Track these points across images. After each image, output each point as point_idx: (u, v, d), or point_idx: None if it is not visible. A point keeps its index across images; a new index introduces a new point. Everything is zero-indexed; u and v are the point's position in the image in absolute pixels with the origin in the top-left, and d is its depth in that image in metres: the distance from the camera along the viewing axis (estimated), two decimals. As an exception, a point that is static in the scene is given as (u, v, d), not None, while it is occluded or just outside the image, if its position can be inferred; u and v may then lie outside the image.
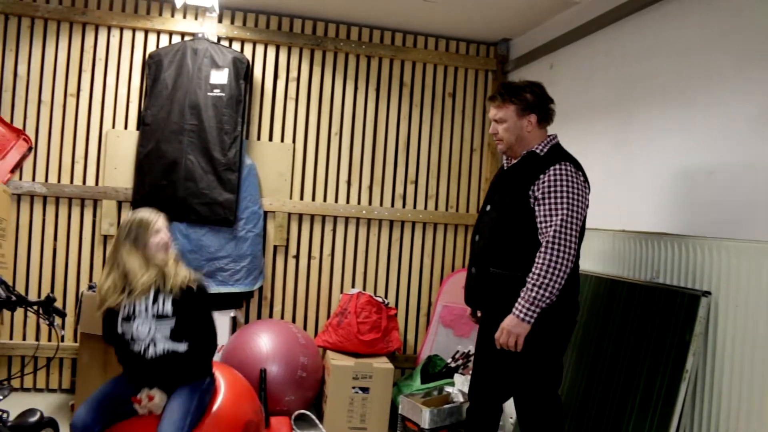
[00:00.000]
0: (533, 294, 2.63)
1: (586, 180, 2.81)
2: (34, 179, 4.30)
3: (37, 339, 4.25)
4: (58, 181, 4.33)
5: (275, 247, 4.62)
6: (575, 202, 2.70)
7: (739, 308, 2.58)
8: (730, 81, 2.81)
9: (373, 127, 4.81)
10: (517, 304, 2.67)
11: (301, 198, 4.67)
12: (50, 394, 4.30)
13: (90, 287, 4.00)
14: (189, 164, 4.28)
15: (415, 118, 4.88)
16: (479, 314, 3.14)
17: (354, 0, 4.29)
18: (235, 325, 4.45)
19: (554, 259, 2.63)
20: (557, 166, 2.74)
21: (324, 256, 4.73)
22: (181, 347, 2.80)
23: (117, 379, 2.88)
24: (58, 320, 3.15)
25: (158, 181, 4.29)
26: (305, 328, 4.66)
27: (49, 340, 4.24)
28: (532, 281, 2.64)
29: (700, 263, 2.81)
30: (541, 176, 2.74)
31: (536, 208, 2.74)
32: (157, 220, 2.90)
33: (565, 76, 4.16)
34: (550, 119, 2.95)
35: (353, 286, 4.73)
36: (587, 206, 2.78)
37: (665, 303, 2.89)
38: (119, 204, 4.39)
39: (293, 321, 4.64)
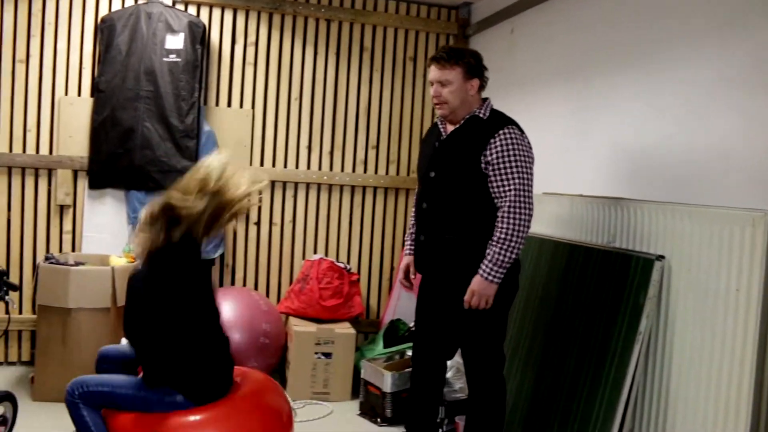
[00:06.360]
0: (499, 256, 2.73)
1: (529, 142, 2.87)
2: (-17, 149, 4.19)
3: (-6, 312, 4.18)
4: (10, 150, 4.20)
5: (236, 214, 4.57)
6: (528, 166, 2.80)
7: (691, 272, 2.63)
8: (687, 47, 2.83)
9: (333, 92, 4.75)
10: (484, 267, 2.75)
11: (261, 164, 4.62)
12: (8, 368, 4.25)
13: (47, 258, 3.92)
14: (145, 131, 4.21)
15: (376, 83, 4.84)
16: (413, 278, 3.20)
17: (311, -38, 4.20)
18: (196, 294, 4.43)
19: (517, 221, 2.73)
20: (505, 131, 2.80)
21: (285, 223, 4.70)
22: None
23: None
24: (12, 295, 3.09)
25: (115, 149, 4.21)
26: (268, 294, 4.65)
27: (7, 313, 4.17)
28: (498, 244, 2.73)
29: (654, 228, 2.84)
30: (491, 141, 2.79)
31: (490, 173, 2.79)
32: None
33: (526, 41, 4.14)
34: (485, 86, 2.99)
35: (315, 252, 4.71)
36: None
37: (621, 267, 2.94)
38: (75, 173, 4.29)
39: (255, 288, 4.63)
